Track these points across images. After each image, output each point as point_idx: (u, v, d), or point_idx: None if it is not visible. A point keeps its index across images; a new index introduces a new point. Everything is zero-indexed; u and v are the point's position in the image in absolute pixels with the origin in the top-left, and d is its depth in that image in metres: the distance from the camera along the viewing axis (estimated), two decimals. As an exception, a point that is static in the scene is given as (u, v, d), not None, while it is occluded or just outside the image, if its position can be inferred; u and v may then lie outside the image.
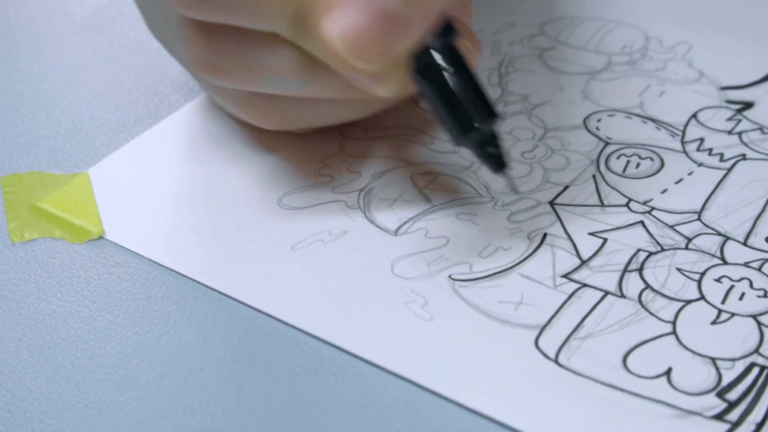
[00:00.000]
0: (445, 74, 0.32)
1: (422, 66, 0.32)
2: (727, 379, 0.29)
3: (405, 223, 0.35)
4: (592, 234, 0.34)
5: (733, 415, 0.28)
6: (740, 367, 0.29)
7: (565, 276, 0.32)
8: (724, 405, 0.28)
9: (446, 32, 0.32)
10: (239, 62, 0.33)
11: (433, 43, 0.32)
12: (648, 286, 0.32)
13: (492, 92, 0.41)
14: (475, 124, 0.31)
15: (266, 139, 0.39)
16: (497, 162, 0.32)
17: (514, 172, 0.37)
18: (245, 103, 0.35)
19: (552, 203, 0.35)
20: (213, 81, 0.34)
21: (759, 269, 0.33)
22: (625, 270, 0.33)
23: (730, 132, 0.39)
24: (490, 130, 0.32)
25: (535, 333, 0.31)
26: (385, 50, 0.30)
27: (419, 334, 0.31)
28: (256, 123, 0.36)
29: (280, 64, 0.32)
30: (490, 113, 0.32)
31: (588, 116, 0.39)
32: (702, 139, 0.38)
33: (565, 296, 0.32)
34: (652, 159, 0.37)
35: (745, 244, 0.33)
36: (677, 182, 0.36)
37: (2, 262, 0.34)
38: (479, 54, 0.34)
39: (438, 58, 0.32)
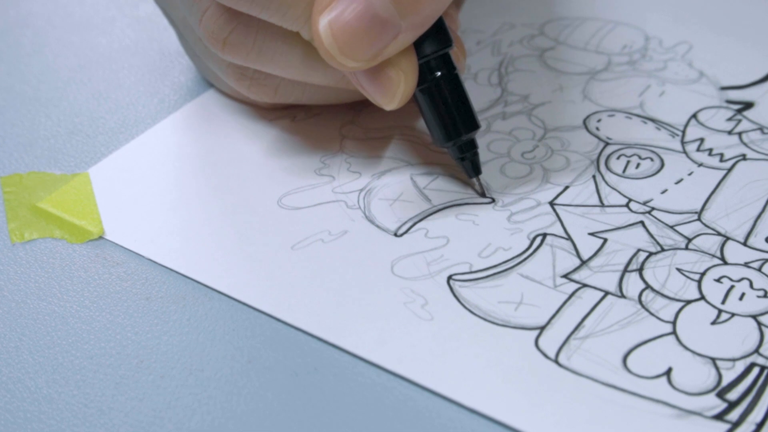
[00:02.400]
0: (436, 80, 0.34)
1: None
2: (727, 379, 0.29)
3: (405, 223, 0.35)
4: (592, 234, 0.34)
5: (733, 415, 0.28)
6: (740, 367, 0.29)
7: (565, 276, 0.32)
8: (724, 405, 0.28)
9: (443, 43, 0.33)
10: (250, 44, 0.34)
11: (429, 53, 0.33)
12: (648, 286, 0.32)
13: (492, 92, 0.41)
14: (458, 132, 0.34)
15: (267, 140, 0.39)
16: (473, 168, 0.35)
17: (515, 173, 0.37)
18: (242, 75, 0.37)
19: (552, 203, 0.35)
20: (221, 55, 0.35)
21: (759, 269, 0.33)
22: (625, 270, 0.33)
23: (730, 132, 0.39)
24: (470, 137, 0.35)
25: (535, 333, 0.31)
26: (371, 51, 0.32)
27: (419, 334, 0.31)
28: (248, 94, 0.38)
29: (291, 53, 0.34)
30: (472, 123, 0.34)
31: (588, 116, 0.39)
32: (702, 140, 0.38)
33: (565, 296, 0.32)
34: (652, 159, 0.37)
35: (745, 244, 0.33)
36: (677, 182, 0.36)
37: (2, 262, 0.34)
38: (465, 58, 0.37)
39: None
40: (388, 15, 0.31)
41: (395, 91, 0.33)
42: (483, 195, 0.36)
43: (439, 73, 0.34)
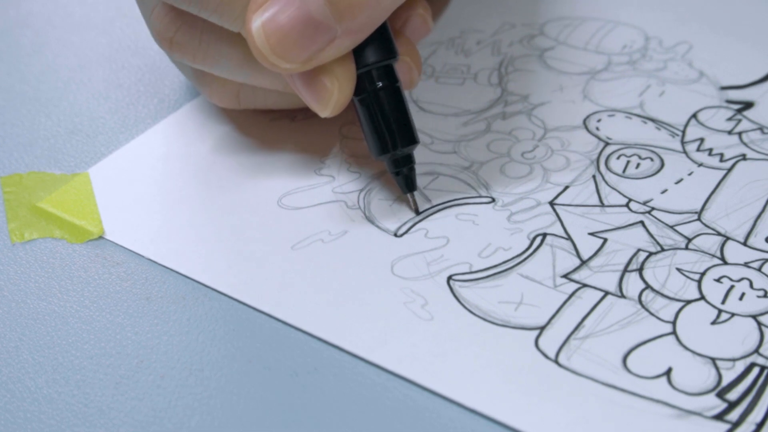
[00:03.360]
0: (379, 91, 0.33)
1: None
2: (727, 379, 0.29)
3: (405, 223, 0.35)
4: (592, 234, 0.34)
5: (733, 415, 0.28)
6: (740, 367, 0.29)
7: (565, 276, 0.32)
8: (724, 405, 0.28)
9: (386, 54, 0.33)
10: (196, 44, 0.34)
11: (371, 62, 0.33)
12: (648, 286, 0.32)
13: (492, 92, 0.41)
14: (394, 145, 0.34)
15: (266, 140, 0.39)
16: (407, 183, 0.35)
17: (515, 173, 0.37)
18: (202, 79, 0.37)
19: (552, 203, 0.35)
20: (169, 55, 0.35)
21: (759, 269, 0.33)
22: (625, 270, 0.33)
23: (730, 132, 0.39)
24: (406, 152, 0.34)
25: (535, 333, 0.31)
26: (304, 54, 0.31)
27: (419, 334, 0.31)
28: (211, 99, 0.37)
29: (232, 54, 0.34)
30: (409, 138, 0.34)
31: (588, 116, 0.39)
32: (702, 139, 0.38)
33: (565, 296, 0.32)
34: (652, 159, 0.37)
35: (745, 244, 0.33)
36: (677, 182, 0.36)
37: (2, 262, 0.34)
38: (419, 71, 0.36)
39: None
40: (323, 18, 0.31)
41: (328, 98, 0.33)
42: (417, 212, 0.35)
43: (380, 84, 0.33)
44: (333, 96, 0.33)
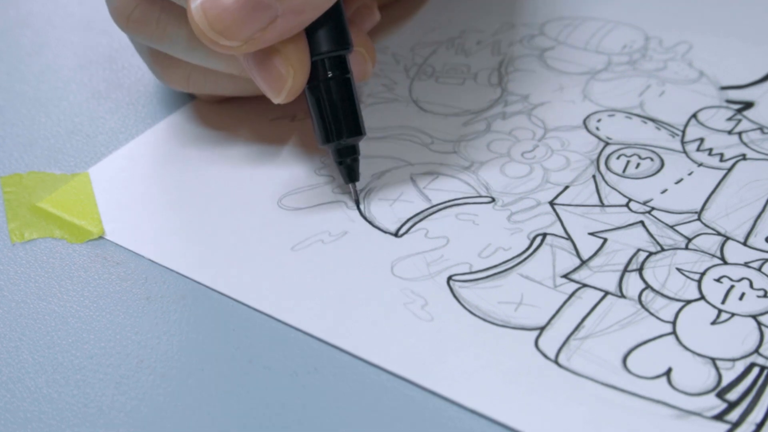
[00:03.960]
0: (329, 80, 0.34)
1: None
2: (727, 380, 0.29)
3: (405, 223, 0.35)
4: (592, 234, 0.34)
5: (733, 416, 0.28)
6: (740, 367, 0.29)
7: (565, 276, 0.32)
8: (724, 405, 0.28)
9: (339, 44, 0.33)
10: (154, 23, 0.34)
11: (323, 51, 0.33)
12: (648, 286, 0.32)
13: (492, 92, 0.41)
14: (339, 135, 0.34)
15: (266, 140, 0.39)
16: (349, 173, 0.35)
17: (515, 173, 0.37)
18: (155, 60, 0.37)
19: (552, 203, 0.35)
20: (126, 33, 0.35)
21: (759, 269, 0.33)
22: (625, 270, 0.33)
23: (730, 132, 0.39)
24: (350, 143, 0.34)
25: (535, 333, 0.31)
26: (245, 32, 0.31)
27: (419, 334, 0.31)
28: (162, 81, 0.38)
29: (187, 34, 0.34)
30: (355, 129, 0.34)
31: (588, 116, 0.39)
32: (702, 139, 0.38)
33: (565, 296, 0.32)
34: (652, 159, 0.37)
35: (745, 244, 0.33)
36: (677, 182, 0.36)
37: (2, 262, 0.34)
38: (373, 63, 0.36)
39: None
40: None
41: (283, 85, 0.33)
42: (357, 203, 0.35)
43: (330, 74, 0.34)
44: (287, 83, 0.33)
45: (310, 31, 0.33)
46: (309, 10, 0.32)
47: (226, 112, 0.40)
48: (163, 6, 0.34)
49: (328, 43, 0.33)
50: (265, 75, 0.33)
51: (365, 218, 0.35)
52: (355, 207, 0.35)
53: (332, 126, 0.34)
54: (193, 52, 0.35)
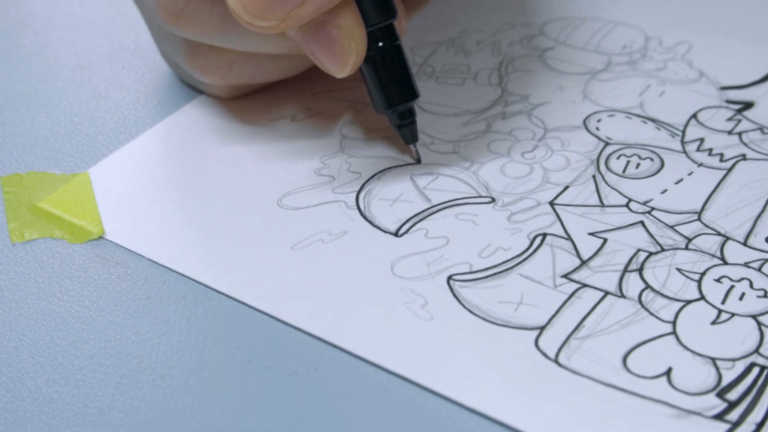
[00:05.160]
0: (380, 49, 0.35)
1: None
2: (727, 379, 0.29)
3: (405, 223, 0.35)
4: (592, 234, 0.34)
5: (733, 415, 0.28)
6: (740, 367, 0.29)
7: (565, 276, 0.32)
8: (724, 405, 0.28)
9: (387, 13, 0.35)
10: (206, 16, 0.35)
11: (374, 23, 0.34)
12: (648, 286, 0.32)
13: (492, 92, 0.41)
14: (397, 100, 0.36)
15: (266, 140, 0.39)
16: (411, 135, 0.37)
17: (515, 173, 0.37)
18: (196, 53, 0.37)
19: (552, 203, 0.35)
20: (174, 30, 0.35)
21: (759, 269, 0.33)
22: (625, 270, 0.33)
23: (730, 132, 0.39)
24: (408, 106, 0.36)
25: (535, 333, 0.31)
26: (280, 12, 0.32)
27: (419, 334, 0.31)
28: (202, 77, 0.38)
29: (234, 21, 0.34)
30: (411, 93, 0.36)
31: (588, 116, 0.39)
32: (702, 140, 0.38)
33: (565, 296, 0.32)
34: (652, 159, 0.37)
35: (745, 244, 0.34)
36: (677, 182, 0.36)
37: (2, 262, 0.34)
38: (406, 20, 0.38)
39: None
40: None
41: (348, 58, 0.34)
42: (418, 161, 0.37)
43: (381, 44, 0.35)
44: (352, 55, 0.34)
45: (359, 4, 0.34)
46: None
47: (227, 112, 0.40)
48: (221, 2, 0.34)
49: (378, 14, 0.34)
50: (329, 51, 0.34)
51: (365, 218, 0.35)
52: (358, 207, 0.35)
53: (392, 92, 0.36)
54: (247, 38, 0.35)
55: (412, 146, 0.37)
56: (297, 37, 0.34)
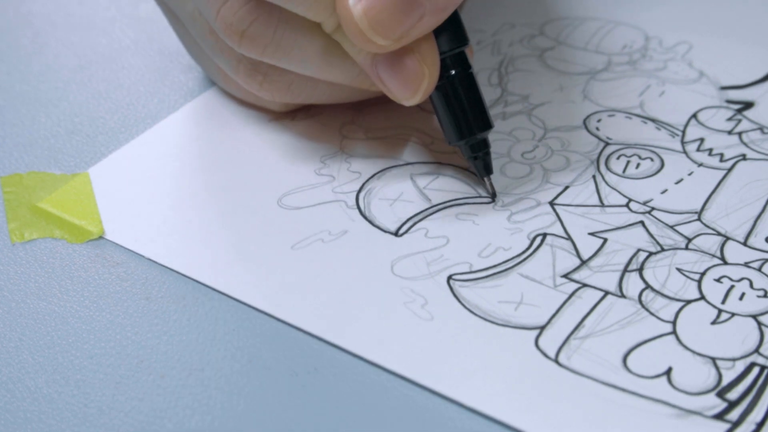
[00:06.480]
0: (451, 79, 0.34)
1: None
2: (727, 379, 0.29)
3: (405, 223, 0.35)
4: (592, 234, 0.34)
5: (734, 415, 0.28)
6: (740, 366, 0.29)
7: (565, 276, 0.32)
8: (724, 405, 0.28)
9: (460, 40, 0.34)
10: (270, 35, 0.34)
11: (447, 50, 0.34)
12: (648, 286, 0.32)
13: (492, 92, 0.41)
14: (470, 131, 0.35)
15: (266, 140, 0.39)
16: (485, 167, 0.35)
17: (515, 173, 0.37)
18: (255, 71, 0.36)
19: (552, 203, 0.35)
20: (237, 48, 0.34)
21: (759, 269, 0.33)
22: (625, 270, 0.33)
23: (730, 132, 0.39)
24: (482, 137, 0.35)
25: (535, 333, 0.31)
26: (399, 30, 0.32)
27: (419, 334, 0.31)
28: (259, 92, 0.37)
29: (307, 45, 0.34)
30: (485, 123, 0.35)
31: (588, 116, 0.39)
32: (702, 139, 0.38)
33: (565, 296, 0.32)
34: (652, 159, 0.37)
35: (745, 244, 0.33)
36: (677, 182, 0.36)
37: (2, 262, 0.34)
38: (471, 51, 0.36)
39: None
40: None
41: (420, 84, 0.33)
42: (493, 196, 0.36)
43: (453, 72, 0.34)
44: (425, 81, 0.33)
45: (434, 31, 0.33)
46: (450, 7, 0.33)
47: (227, 112, 0.40)
48: (281, 18, 0.34)
49: (451, 41, 0.34)
50: (401, 77, 0.33)
51: (365, 218, 0.35)
52: (358, 207, 0.35)
53: (463, 123, 0.34)
54: (310, 63, 0.35)
55: (486, 179, 0.35)
56: (366, 62, 0.34)
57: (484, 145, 0.35)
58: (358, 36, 0.32)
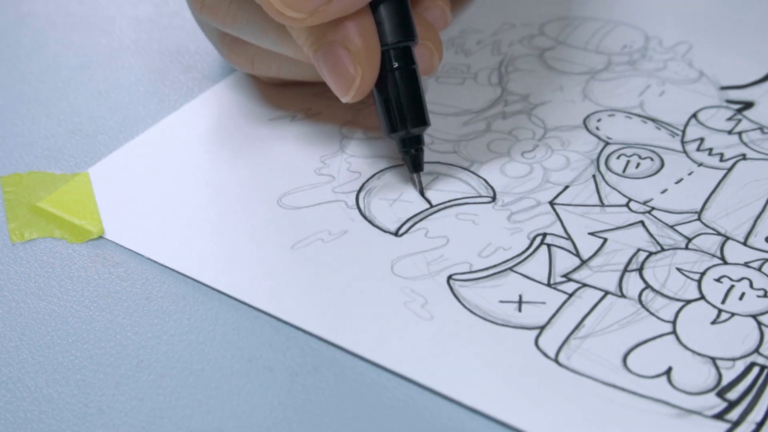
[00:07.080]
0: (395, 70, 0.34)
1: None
2: (727, 379, 0.29)
3: (405, 223, 0.35)
4: (592, 234, 0.34)
5: (733, 415, 0.28)
6: (740, 366, 0.29)
7: (565, 276, 0.32)
8: (724, 404, 0.28)
9: (405, 35, 0.34)
10: (226, 7, 0.35)
11: (390, 42, 0.34)
12: (648, 285, 0.32)
13: (492, 92, 0.41)
14: (403, 125, 0.34)
15: (266, 140, 0.39)
16: (414, 163, 0.35)
17: (515, 172, 0.37)
18: (222, 41, 0.38)
19: (552, 203, 0.35)
20: (199, 15, 0.37)
21: (759, 269, 0.33)
22: (625, 270, 0.33)
23: (730, 132, 0.39)
24: (415, 133, 0.35)
25: (536, 332, 0.31)
26: (312, 5, 0.32)
27: (419, 333, 0.31)
28: (229, 62, 0.39)
29: (257, 19, 0.35)
30: (420, 119, 0.35)
31: (588, 116, 0.39)
32: (702, 139, 0.38)
33: (565, 296, 0.32)
34: (652, 159, 0.37)
35: (745, 244, 0.34)
36: (677, 182, 0.36)
37: (2, 262, 0.34)
38: (440, 58, 0.37)
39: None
40: None
41: (351, 84, 0.33)
42: (421, 194, 0.36)
43: (396, 65, 0.34)
44: (355, 82, 0.33)
45: (378, 23, 0.34)
46: None
47: (227, 112, 0.40)
48: None
49: (394, 34, 0.34)
50: (334, 73, 0.33)
51: (365, 218, 0.35)
52: (358, 207, 0.35)
53: (397, 116, 0.34)
54: (263, 36, 0.36)
55: (414, 176, 0.36)
56: (309, 53, 0.34)
57: (417, 141, 0.35)
58: (269, 8, 0.32)
